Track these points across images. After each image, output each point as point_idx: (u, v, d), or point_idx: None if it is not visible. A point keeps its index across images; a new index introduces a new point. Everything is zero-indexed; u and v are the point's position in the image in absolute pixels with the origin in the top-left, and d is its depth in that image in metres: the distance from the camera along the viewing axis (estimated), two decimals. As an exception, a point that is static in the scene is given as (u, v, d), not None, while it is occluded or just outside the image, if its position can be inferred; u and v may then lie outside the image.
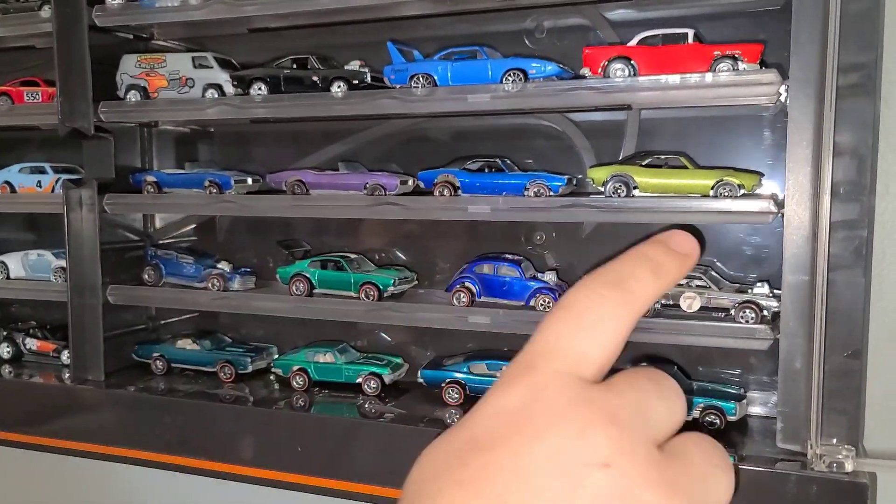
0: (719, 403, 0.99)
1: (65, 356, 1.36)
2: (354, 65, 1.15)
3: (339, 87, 1.11)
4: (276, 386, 1.23)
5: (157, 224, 1.39)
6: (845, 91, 0.85)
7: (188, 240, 1.42)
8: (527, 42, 1.14)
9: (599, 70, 0.98)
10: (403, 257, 1.28)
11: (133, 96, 1.24)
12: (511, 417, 0.34)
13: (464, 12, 1.13)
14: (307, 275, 1.17)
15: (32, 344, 1.42)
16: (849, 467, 0.87)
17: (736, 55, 0.93)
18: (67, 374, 1.30)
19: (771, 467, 0.89)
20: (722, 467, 0.36)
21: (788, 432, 0.91)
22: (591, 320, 0.38)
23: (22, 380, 1.32)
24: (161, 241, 1.39)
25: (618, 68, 0.97)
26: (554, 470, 0.32)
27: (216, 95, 1.20)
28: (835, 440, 0.88)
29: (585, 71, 1.00)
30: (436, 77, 1.06)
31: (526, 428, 0.34)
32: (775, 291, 0.98)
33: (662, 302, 0.99)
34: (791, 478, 0.87)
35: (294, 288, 1.18)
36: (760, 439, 0.98)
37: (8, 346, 1.43)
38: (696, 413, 1.00)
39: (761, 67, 0.94)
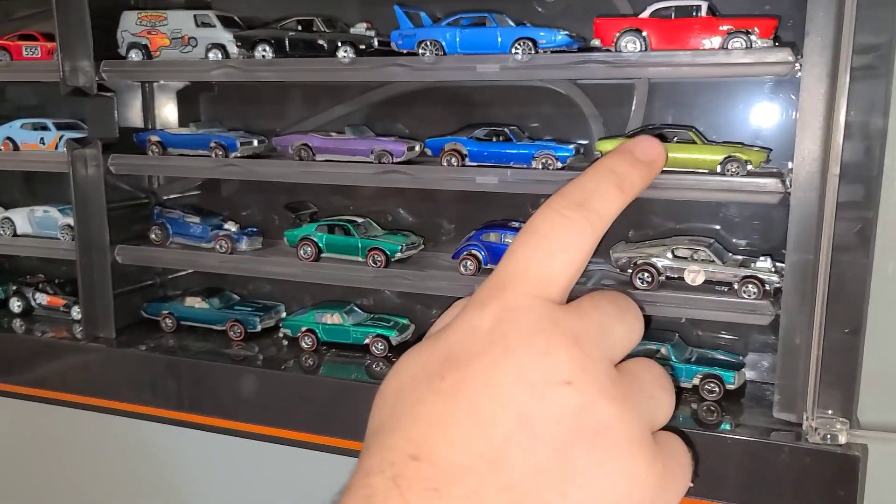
0: (718, 372, 1.02)
1: (75, 311, 1.38)
2: (361, 27, 1.13)
3: (345, 51, 1.09)
4: (286, 344, 1.26)
5: (162, 181, 1.39)
6: (858, 72, 0.84)
7: (192, 194, 1.42)
8: (536, 7, 1.12)
9: (611, 42, 0.97)
10: (410, 218, 1.29)
11: (135, 55, 1.22)
12: (484, 336, 0.38)
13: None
14: (314, 239, 1.18)
15: (42, 299, 1.44)
16: (842, 439, 0.90)
17: (749, 30, 0.92)
18: (79, 330, 1.33)
19: (766, 437, 0.93)
20: (667, 389, 0.41)
21: (785, 403, 0.95)
22: (556, 243, 0.41)
23: (34, 336, 1.34)
24: (167, 198, 1.40)
25: (629, 41, 0.95)
26: (521, 384, 0.36)
27: (220, 56, 1.18)
28: (830, 412, 0.92)
29: (596, 42, 0.99)
30: (444, 44, 1.05)
31: (497, 346, 0.37)
32: (778, 265, 0.99)
33: (667, 275, 1.01)
34: (786, 449, 0.91)
35: (302, 252, 1.19)
36: (757, 407, 1.01)
37: (18, 301, 1.45)
38: (696, 381, 1.03)
39: (775, 44, 0.93)
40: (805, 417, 0.92)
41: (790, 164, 0.91)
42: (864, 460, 0.89)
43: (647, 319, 0.94)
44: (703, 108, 1.09)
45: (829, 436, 0.90)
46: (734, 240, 1.11)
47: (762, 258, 1.01)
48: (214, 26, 1.20)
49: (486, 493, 0.34)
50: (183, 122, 1.39)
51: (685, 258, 1.00)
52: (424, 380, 0.38)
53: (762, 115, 1.07)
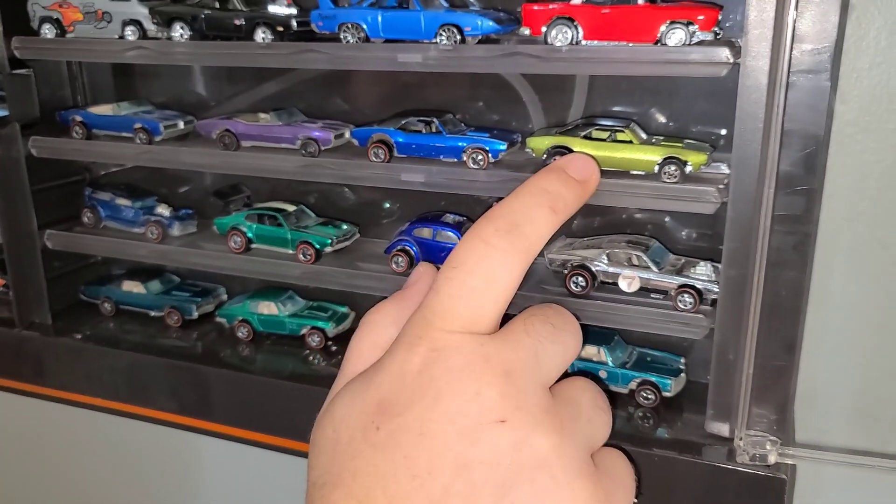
0: (655, 379, 0.98)
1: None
2: (282, 4, 1.04)
3: (263, 34, 1.01)
4: (222, 333, 1.22)
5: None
6: (799, 77, 0.76)
7: (128, 168, 1.36)
8: (469, -20, 1.02)
9: (540, 31, 0.89)
10: (352, 197, 1.23)
11: (48, 31, 1.14)
12: (414, 381, 0.38)
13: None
14: (243, 229, 1.13)
15: (-19, 278, 1.40)
16: (772, 459, 0.87)
17: (690, 21, 0.83)
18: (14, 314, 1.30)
19: (696, 455, 0.89)
20: (604, 409, 0.41)
21: (718, 417, 0.91)
22: (482, 278, 0.39)
23: (-31, 321, 1.31)
24: (104, 174, 1.34)
25: (560, 32, 0.87)
26: (454, 431, 0.36)
27: (136, 33, 1.10)
28: (762, 430, 0.88)
29: (525, 30, 0.90)
30: (365, 27, 0.97)
31: (428, 392, 0.37)
32: (720, 268, 0.94)
33: (601, 280, 0.95)
34: (712, 468, 0.88)
35: (231, 242, 1.14)
36: (694, 414, 0.97)
37: (-43, 280, 1.41)
38: (632, 387, 0.99)
39: (716, 37, 0.84)
40: (735, 435, 0.88)
41: (727, 170, 0.84)
42: (791, 481, 0.86)
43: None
44: (648, 93, 1.00)
45: (758, 455, 0.87)
46: (683, 232, 1.05)
47: (702, 263, 0.95)
48: (129, 0, 1.11)
49: None
50: (119, 93, 1.32)
51: (621, 262, 0.95)
52: (360, 430, 0.38)
53: (711, 100, 0.99)
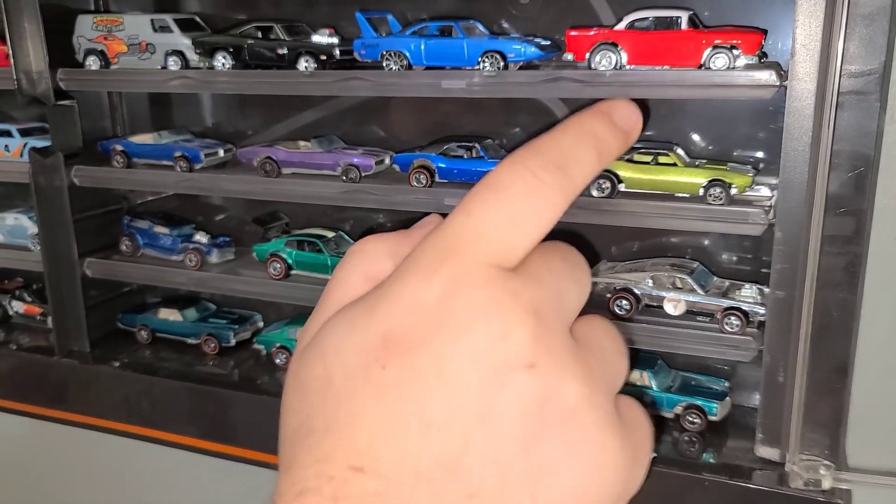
0: (701, 403, 0.97)
1: (51, 321, 1.35)
2: (324, 33, 1.06)
3: (306, 63, 1.03)
4: (259, 360, 1.23)
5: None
6: (847, 98, 0.77)
7: (166, 196, 1.37)
8: (510, 9, 1.04)
9: (584, 57, 0.90)
10: (387, 224, 1.24)
11: (92, 62, 1.16)
12: (431, 314, 0.32)
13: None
14: (283, 255, 1.14)
15: (19, 307, 1.41)
16: (826, 484, 0.85)
17: (734, 45, 0.84)
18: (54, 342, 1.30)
19: (747, 479, 0.88)
20: (624, 353, 0.37)
21: (768, 441, 0.90)
22: (526, 208, 0.34)
23: (9, 349, 1.32)
24: (140, 202, 1.36)
25: (604, 58, 0.88)
26: (477, 373, 0.31)
27: (179, 63, 1.12)
28: (815, 454, 0.87)
29: (569, 56, 0.91)
30: (408, 55, 0.98)
31: (447, 327, 0.31)
32: (766, 290, 0.94)
33: (645, 303, 0.95)
34: (764, 493, 0.87)
35: (271, 269, 1.14)
36: (741, 440, 0.96)
37: (-5, 309, 1.42)
38: (677, 411, 0.98)
39: (760, 61, 0.85)
40: (787, 460, 0.87)
41: (775, 193, 0.84)
42: (847, 506, 0.85)
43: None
44: (690, 117, 1.01)
45: (812, 480, 0.86)
46: (724, 255, 1.05)
47: (748, 286, 0.95)
48: (172, 31, 1.13)
49: None
50: (156, 123, 1.33)
51: (665, 286, 0.94)
52: (359, 367, 0.32)
53: (748, 124, 0.99)
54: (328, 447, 0.30)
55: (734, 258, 1.04)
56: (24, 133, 1.31)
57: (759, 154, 1.00)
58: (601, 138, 0.38)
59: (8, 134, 1.31)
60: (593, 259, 1.05)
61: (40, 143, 1.28)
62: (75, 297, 1.25)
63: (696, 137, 1.02)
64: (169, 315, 1.29)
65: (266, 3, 1.17)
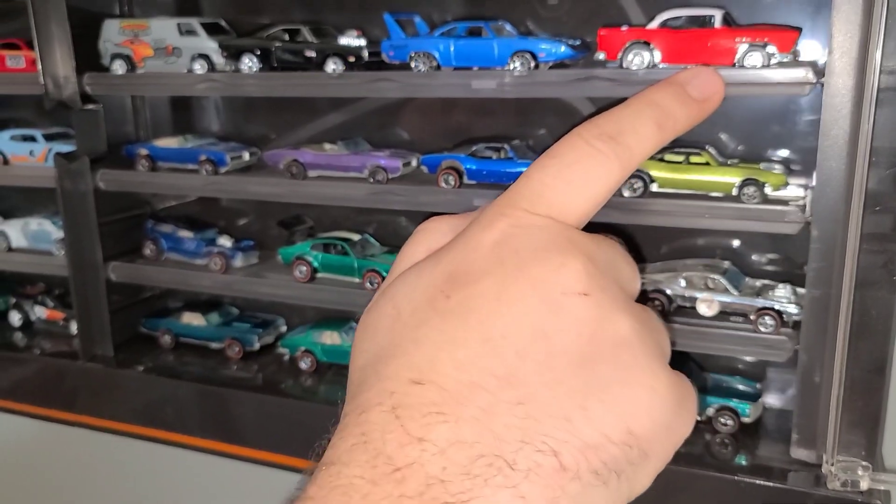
0: (734, 405, 0.96)
1: (74, 326, 1.35)
2: (351, 35, 1.06)
3: (334, 65, 1.03)
4: (282, 365, 1.22)
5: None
6: (886, 94, 0.76)
7: (189, 201, 1.37)
8: (539, 10, 1.04)
9: (616, 55, 0.89)
10: (410, 227, 1.23)
11: (119, 67, 1.17)
12: (492, 251, 0.34)
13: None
14: (309, 259, 1.13)
15: (42, 313, 1.41)
16: (864, 485, 0.84)
17: (768, 43, 0.84)
18: (77, 347, 1.30)
19: (782, 481, 0.87)
20: (667, 333, 0.38)
21: (803, 443, 0.89)
22: (579, 174, 0.37)
23: (33, 354, 1.32)
24: (163, 207, 1.36)
25: (636, 55, 0.88)
26: (536, 297, 0.33)
27: (205, 66, 1.12)
28: (852, 455, 0.86)
29: (601, 55, 0.91)
30: (437, 56, 0.98)
31: (509, 260, 0.34)
32: (799, 290, 0.93)
33: (679, 303, 0.95)
34: (801, 494, 0.86)
35: (297, 272, 1.14)
36: (774, 442, 0.95)
37: (18, 314, 1.42)
38: (710, 413, 0.97)
39: (795, 59, 0.85)
40: (825, 461, 0.86)
41: (808, 191, 0.84)
42: (887, 508, 0.84)
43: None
44: (723, 116, 1.01)
45: (850, 481, 0.85)
46: (754, 256, 1.04)
47: (781, 286, 0.94)
48: (199, 35, 1.13)
49: (496, 410, 0.31)
50: (178, 127, 1.34)
51: (698, 286, 0.94)
52: (425, 301, 0.34)
53: (783, 124, 0.99)
54: (392, 368, 0.32)
55: (763, 259, 1.04)
56: (49, 138, 1.32)
57: (783, 152, 1.00)
58: (664, 108, 0.39)
59: (32, 139, 1.32)
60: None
61: (65, 147, 1.29)
62: (100, 302, 1.25)
63: (724, 136, 1.01)
64: (192, 319, 1.29)
65: (294, 6, 1.17)
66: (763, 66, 0.83)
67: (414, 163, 1.09)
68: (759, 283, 0.96)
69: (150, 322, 1.32)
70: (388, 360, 0.33)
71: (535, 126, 1.11)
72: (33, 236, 1.36)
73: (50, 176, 1.23)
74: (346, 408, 0.33)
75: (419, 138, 1.18)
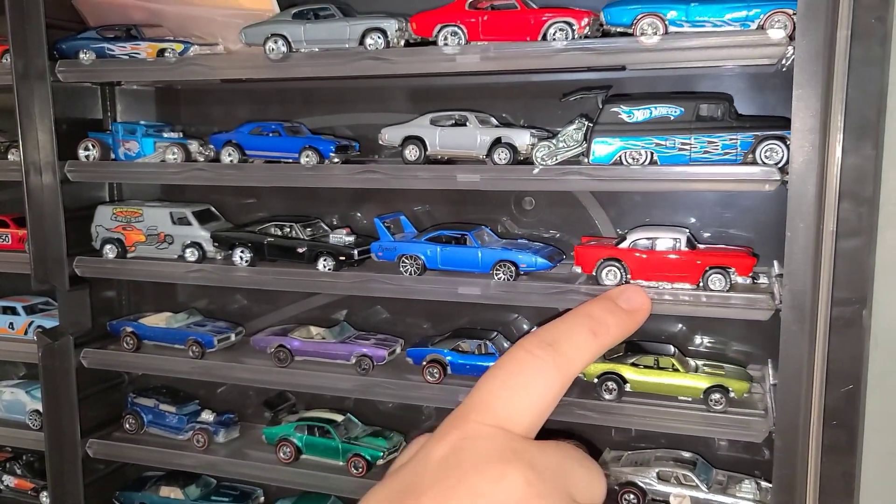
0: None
1: (44, 497, 1.33)
2: (340, 234, 1.13)
3: (324, 262, 1.09)
4: (263, 542, 1.23)
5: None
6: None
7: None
8: (518, 214, 1.12)
9: (591, 270, 0.98)
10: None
11: (110, 251, 1.20)
12: (440, 465, 0.38)
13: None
14: (293, 440, 1.16)
15: (10, 481, 1.39)
16: None
17: (728, 269, 0.93)
18: (47, 523, 1.28)
19: None
20: None
21: None
22: (521, 380, 0.42)
23: (0, 531, 1.29)
24: (141, 373, 1.37)
25: (609, 273, 0.96)
26: None
27: (196, 254, 1.17)
28: None
29: (577, 269, 0.99)
30: (424, 259, 1.05)
31: (452, 473, 0.38)
32: (764, 484, 1.00)
33: (651, 498, 1.00)
34: None
35: (281, 453, 1.16)
36: None
37: (-16, 483, 1.40)
38: None
39: (753, 282, 0.94)
40: None
41: (772, 379, 0.92)
42: None
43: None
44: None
45: None
46: (720, 452, 1.10)
47: (747, 480, 1.00)
48: (191, 224, 1.19)
49: None
50: (160, 302, 1.36)
51: (670, 480, 1.00)
52: None
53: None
54: None
55: (730, 454, 1.10)
56: (29, 311, 1.33)
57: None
58: (597, 318, 0.46)
59: (13, 311, 1.33)
60: (598, 452, 1.10)
61: (45, 321, 1.30)
62: (75, 478, 1.24)
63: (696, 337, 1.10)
64: (170, 493, 1.28)
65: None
66: (725, 289, 0.92)
67: (398, 349, 1.14)
68: (724, 477, 1.03)
69: (126, 496, 1.31)
70: None
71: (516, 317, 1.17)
72: (6, 406, 1.35)
73: (30, 351, 1.24)
74: None
75: (402, 321, 1.23)
